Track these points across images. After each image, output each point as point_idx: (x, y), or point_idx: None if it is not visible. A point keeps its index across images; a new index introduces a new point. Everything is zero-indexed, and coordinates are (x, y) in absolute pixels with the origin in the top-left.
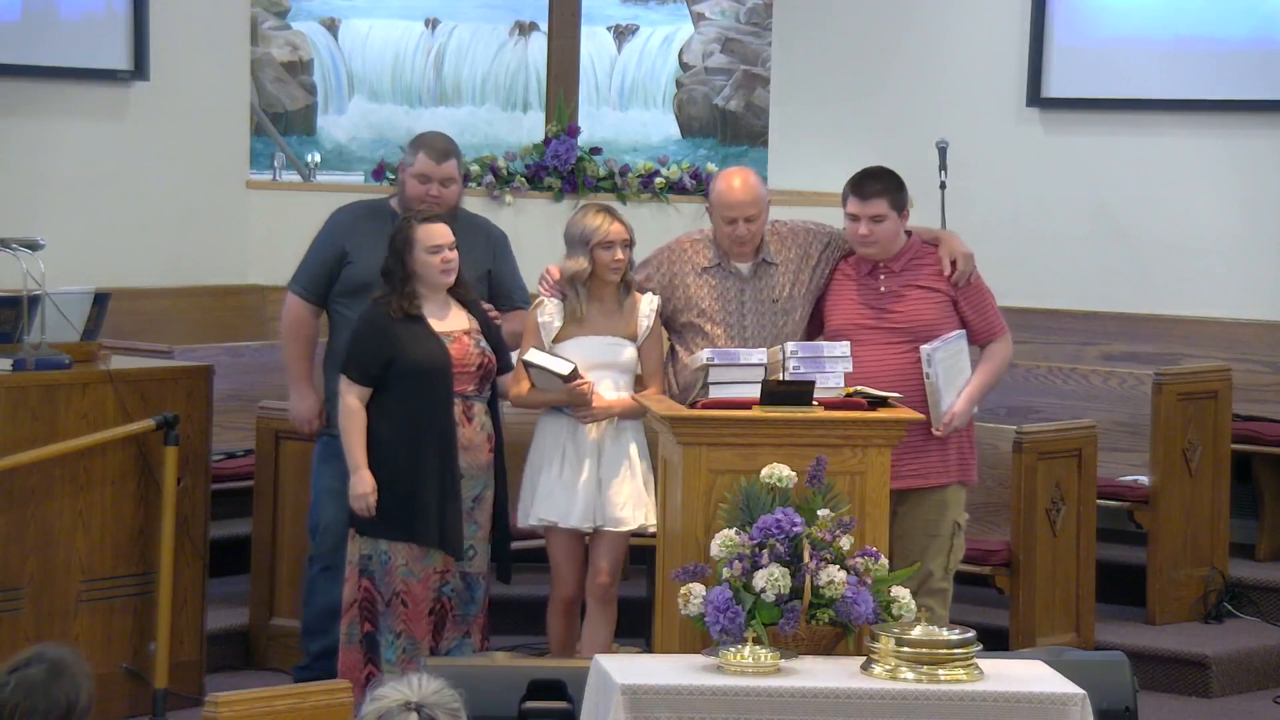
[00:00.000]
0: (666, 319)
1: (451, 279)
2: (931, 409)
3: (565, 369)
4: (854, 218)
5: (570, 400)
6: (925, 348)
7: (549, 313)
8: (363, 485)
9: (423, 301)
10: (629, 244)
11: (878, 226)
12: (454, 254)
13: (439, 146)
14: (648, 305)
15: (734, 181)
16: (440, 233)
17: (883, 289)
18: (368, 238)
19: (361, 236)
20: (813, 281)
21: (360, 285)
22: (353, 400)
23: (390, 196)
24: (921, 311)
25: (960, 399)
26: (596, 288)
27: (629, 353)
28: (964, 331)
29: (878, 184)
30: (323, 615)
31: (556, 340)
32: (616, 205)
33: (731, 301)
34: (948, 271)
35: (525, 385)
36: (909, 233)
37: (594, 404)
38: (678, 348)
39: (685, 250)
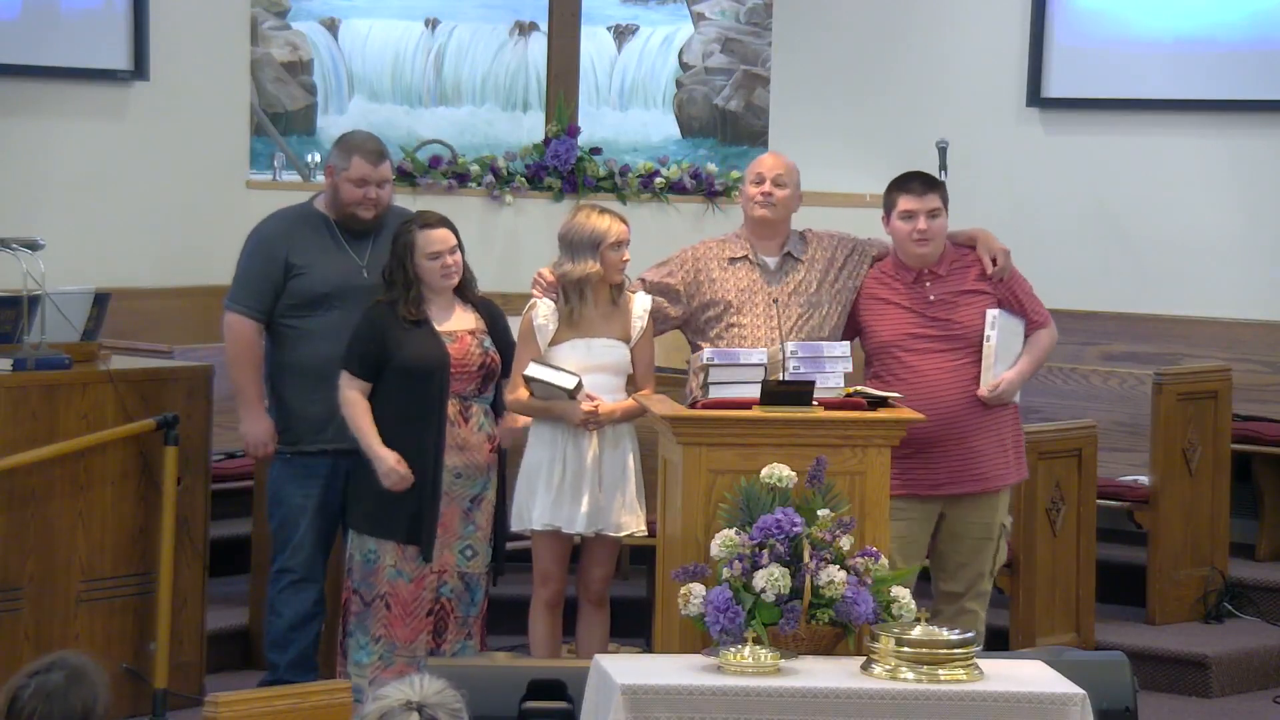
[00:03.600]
0: (688, 318)
1: (453, 282)
2: (984, 371)
3: (570, 383)
4: (909, 215)
5: (573, 412)
6: (991, 311)
7: (544, 316)
8: (387, 461)
9: (428, 305)
10: (628, 243)
11: (935, 222)
12: (455, 257)
13: (373, 149)
14: (640, 306)
15: (766, 155)
16: (440, 238)
17: (932, 298)
18: (311, 247)
19: (304, 246)
20: (839, 283)
21: (314, 296)
22: (353, 393)
23: (314, 197)
24: (974, 318)
25: (1012, 370)
26: (594, 290)
27: (623, 354)
28: (1024, 319)
29: (929, 180)
30: (289, 628)
31: (552, 343)
32: (615, 206)
33: (759, 293)
34: (989, 269)
35: (523, 392)
36: None
37: (599, 410)
38: (704, 346)
39: (711, 247)
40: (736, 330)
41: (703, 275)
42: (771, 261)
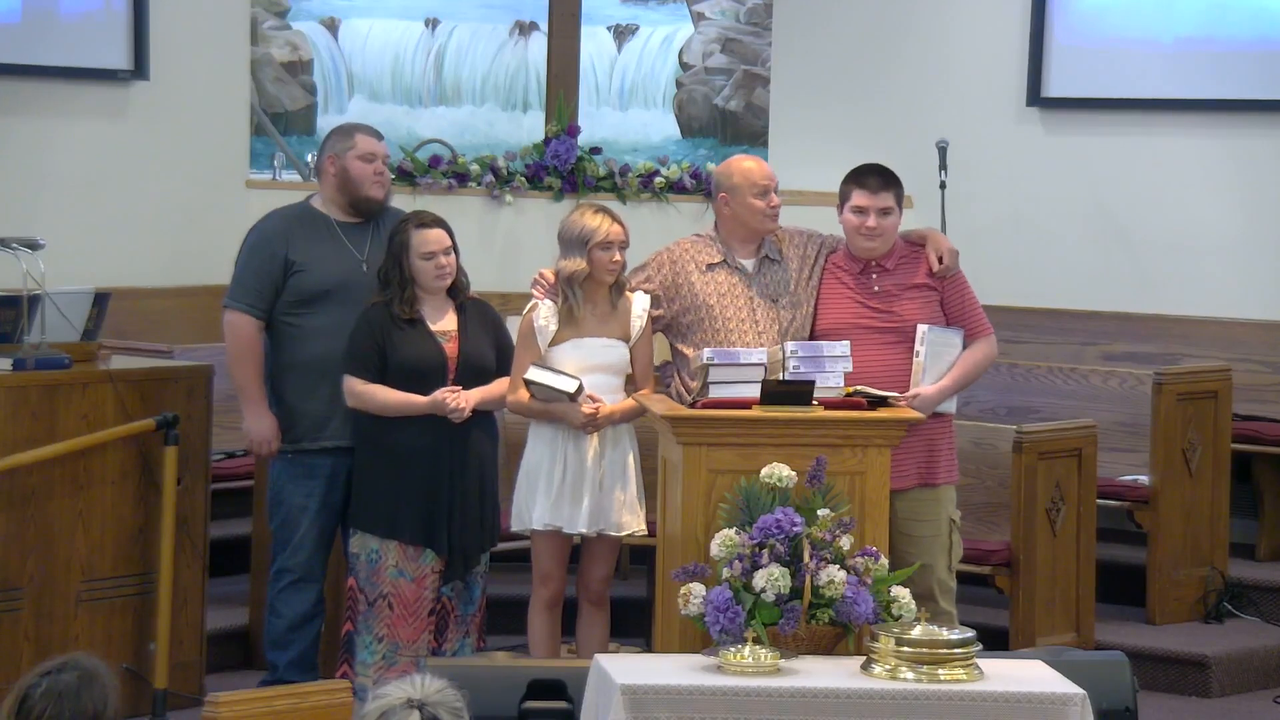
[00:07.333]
0: (670, 321)
1: (446, 283)
2: (911, 386)
3: (571, 386)
4: (860, 210)
5: (574, 414)
6: (922, 326)
7: (544, 316)
8: (437, 403)
9: (421, 304)
10: (625, 246)
11: (885, 220)
12: (448, 259)
13: (370, 128)
14: (639, 305)
15: (749, 161)
16: (435, 239)
17: (876, 288)
18: (310, 245)
19: (304, 244)
20: (813, 279)
21: (314, 294)
22: (364, 386)
23: (310, 197)
24: (915, 311)
25: (934, 386)
26: (590, 289)
27: (623, 354)
28: (963, 331)
29: (885, 177)
30: (289, 628)
31: (552, 343)
32: (615, 206)
33: (740, 296)
34: (934, 266)
35: (523, 394)
36: None
37: (600, 413)
38: (683, 349)
39: (687, 250)
40: (723, 335)
41: (680, 279)
42: (749, 264)
